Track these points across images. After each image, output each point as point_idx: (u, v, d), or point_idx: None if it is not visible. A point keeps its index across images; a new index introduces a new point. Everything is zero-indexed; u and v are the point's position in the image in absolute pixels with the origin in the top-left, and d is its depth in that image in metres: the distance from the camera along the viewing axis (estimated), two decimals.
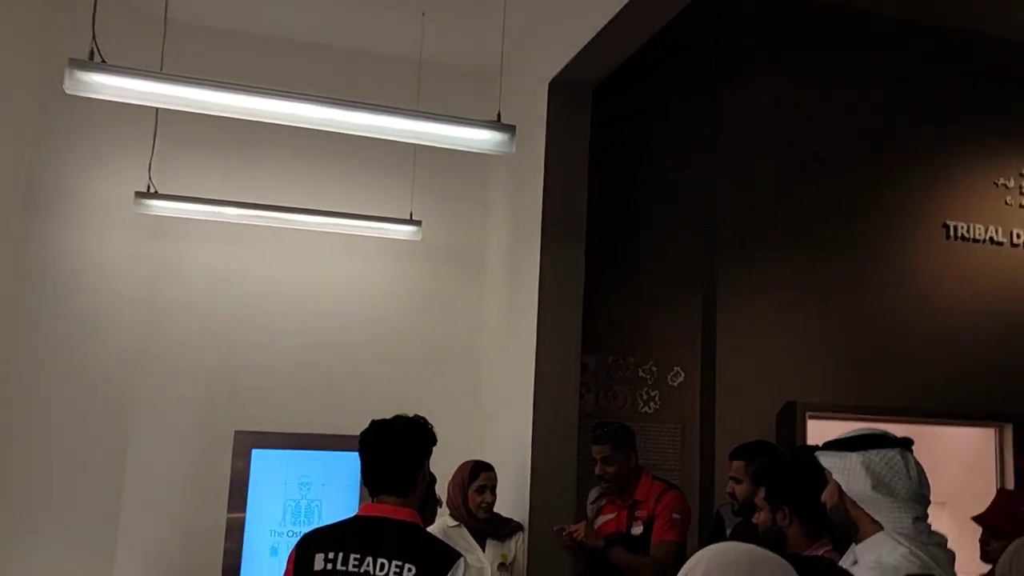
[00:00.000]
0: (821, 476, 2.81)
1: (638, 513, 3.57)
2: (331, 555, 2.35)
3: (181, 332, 4.16)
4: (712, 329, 4.42)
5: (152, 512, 4.02)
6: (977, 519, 3.16)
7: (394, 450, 2.44)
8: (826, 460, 2.25)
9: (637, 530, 3.55)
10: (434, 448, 2.50)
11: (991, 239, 4.91)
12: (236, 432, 4.15)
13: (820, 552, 2.50)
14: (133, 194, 3.63)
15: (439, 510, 3.11)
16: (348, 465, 4.26)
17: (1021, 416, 4.72)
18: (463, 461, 3.52)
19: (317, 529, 2.51)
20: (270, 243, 4.29)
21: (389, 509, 2.41)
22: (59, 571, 3.83)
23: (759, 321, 4.45)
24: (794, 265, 4.55)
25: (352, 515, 2.53)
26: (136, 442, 4.06)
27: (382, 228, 3.99)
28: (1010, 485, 4.56)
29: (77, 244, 4.06)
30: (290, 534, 4.14)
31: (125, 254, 4.10)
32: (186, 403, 4.13)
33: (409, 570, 2.31)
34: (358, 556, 2.34)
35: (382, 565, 2.33)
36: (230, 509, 4.10)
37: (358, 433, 4.33)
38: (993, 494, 3.89)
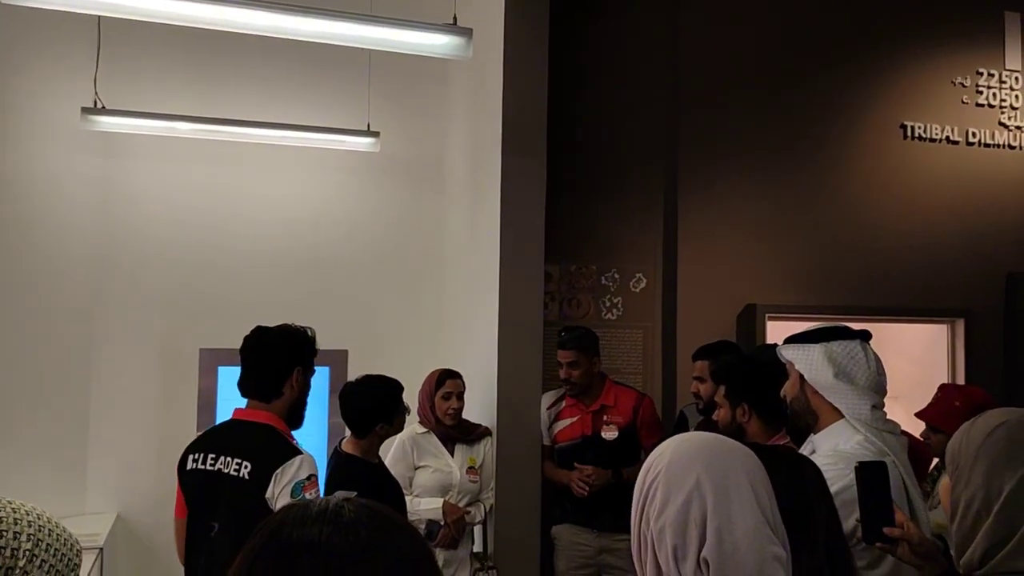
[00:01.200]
0: (778, 373, 2.90)
1: (609, 418, 3.69)
2: (197, 456, 2.53)
3: (139, 252, 4.10)
4: (673, 235, 4.46)
5: (122, 431, 4.04)
6: (919, 415, 3.29)
7: (262, 357, 2.57)
8: (789, 353, 2.33)
9: (610, 435, 3.67)
10: (314, 357, 2.65)
11: (947, 139, 4.96)
12: (201, 350, 4.14)
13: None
14: (79, 110, 3.51)
15: (407, 418, 3.17)
16: (316, 380, 4.30)
17: (972, 311, 4.88)
18: (431, 370, 3.58)
19: (200, 434, 2.66)
20: (225, 159, 4.20)
21: (250, 413, 2.57)
22: (32, 491, 3.86)
23: (719, 226, 4.50)
24: (753, 170, 4.58)
25: (225, 420, 2.65)
26: (101, 364, 4.05)
27: (340, 140, 3.92)
28: (961, 379, 4.73)
29: (25, 166, 3.94)
30: None
31: (76, 174, 4.00)
32: (149, 323, 4.11)
33: (246, 467, 2.43)
34: (214, 455, 2.49)
35: (226, 462, 2.47)
36: (199, 426, 4.12)
37: (322, 347, 4.38)
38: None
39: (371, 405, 3.04)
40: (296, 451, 2.44)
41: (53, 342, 3.98)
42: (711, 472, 1.24)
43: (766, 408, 2.75)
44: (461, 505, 3.41)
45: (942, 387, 3.68)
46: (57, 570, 1.08)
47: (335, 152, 4.23)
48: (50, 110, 3.91)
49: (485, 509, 3.52)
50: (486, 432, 3.60)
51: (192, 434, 4.08)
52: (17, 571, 1.03)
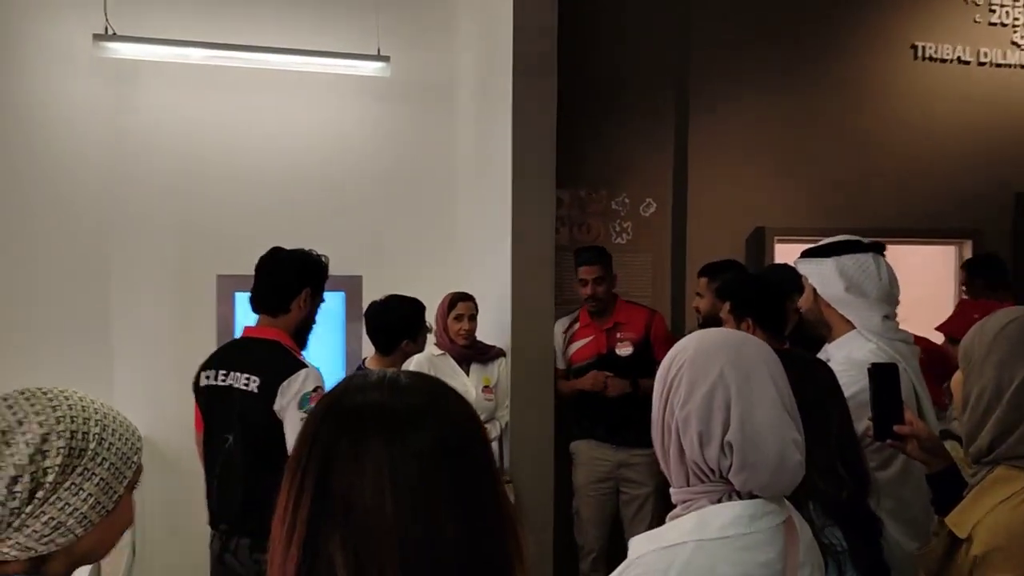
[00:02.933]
0: (781, 288, 2.98)
1: (622, 335, 3.81)
2: (209, 372, 2.65)
3: (151, 180, 4.12)
4: (683, 160, 4.47)
5: (144, 358, 4.12)
6: (940, 327, 3.37)
7: (273, 272, 2.69)
8: (803, 267, 2.39)
9: (625, 350, 3.79)
10: (325, 282, 2.78)
11: (959, 59, 4.93)
12: (218, 277, 4.20)
13: None
14: (91, 36, 3.50)
15: (429, 337, 3.29)
16: (332, 306, 4.36)
17: (980, 232, 4.91)
18: (444, 294, 3.65)
19: (212, 352, 2.77)
20: (237, 84, 4.19)
21: (259, 330, 2.69)
22: None
23: (729, 150, 4.51)
24: (764, 94, 4.57)
25: (234, 338, 2.75)
26: (119, 292, 4.10)
27: (351, 65, 3.91)
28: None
29: (37, 93, 3.94)
30: None
31: (87, 101, 3.99)
32: (165, 251, 4.15)
33: (254, 381, 2.55)
34: (224, 371, 2.60)
35: (236, 378, 2.59)
36: None
37: (337, 273, 4.45)
38: (951, 309, 4.11)
39: (397, 322, 3.15)
40: (302, 364, 2.55)
41: (69, 271, 4.02)
42: (735, 363, 1.30)
43: (769, 323, 2.85)
44: None
45: (961, 302, 3.77)
46: (123, 452, 1.15)
47: (346, 77, 4.21)
48: (61, 37, 3.89)
49: (501, 426, 3.63)
50: (500, 353, 3.68)
51: None
52: (88, 452, 1.11)
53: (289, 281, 2.67)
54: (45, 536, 1.08)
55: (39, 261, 3.99)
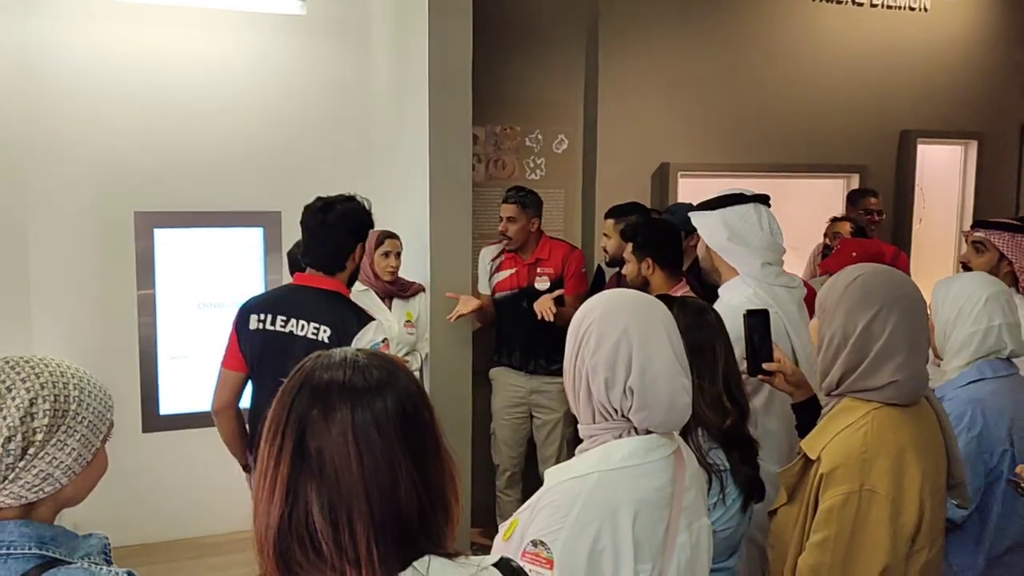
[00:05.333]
0: (679, 229, 3.25)
1: (542, 269, 4.04)
2: (262, 316, 2.69)
3: (65, 117, 4.05)
4: (594, 97, 4.64)
5: (64, 295, 4.13)
6: (821, 265, 3.69)
7: (328, 236, 2.70)
8: (695, 220, 2.64)
9: (543, 284, 4.02)
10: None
11: (852, 0, 5.19)
12: (135, 213, 4.21)
13: (678, 294, 2.94)
14: None
15: None
16: (251, 241, 4.45)
17: (867, 167, 5.27)
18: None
19: (255, 296, 2.82)
20: (153, 21, 4.12)
21: (316, 279, 2.73)
22: None
23: (636, 89, 4.69)
24: (671, 33, 4.74)
25: (286, 284, 2.82)
26: (36, 230, 4.07)
27: (267, 3, 3.91)
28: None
29: None
30: (200, 306, 4.37)
31: None
32: (81, 189, 4.12)
33: (324, 331, 2.64)
34: (284, 317, 2.66)
35: (302, 326, 2.67)
36: (139, 286, 4.26)
37: (256, 209, 4.47)
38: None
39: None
40: (370, 317, 2.69)
41: None
42: (636, 321, 1.52)
43: (667, 262, 3.12)
44: (400, 356, 3.70)
45: (842, 241, 4.10)
46: (98, 411, 1.31)
47: (262, 14, 4.20)
48: None
49: (421, 357, 3.83)
50: (420, 288, 3.85)
51: (133, 294, 4.24)
52: (70, 412, 1.26)
53: (342, 241, 2.72)
54: (35, 486, 1.24)
55: None
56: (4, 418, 1.21)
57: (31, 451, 1.22)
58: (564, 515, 1.43)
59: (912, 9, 5.34)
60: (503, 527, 1.55)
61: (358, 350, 1.13)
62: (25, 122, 4.00)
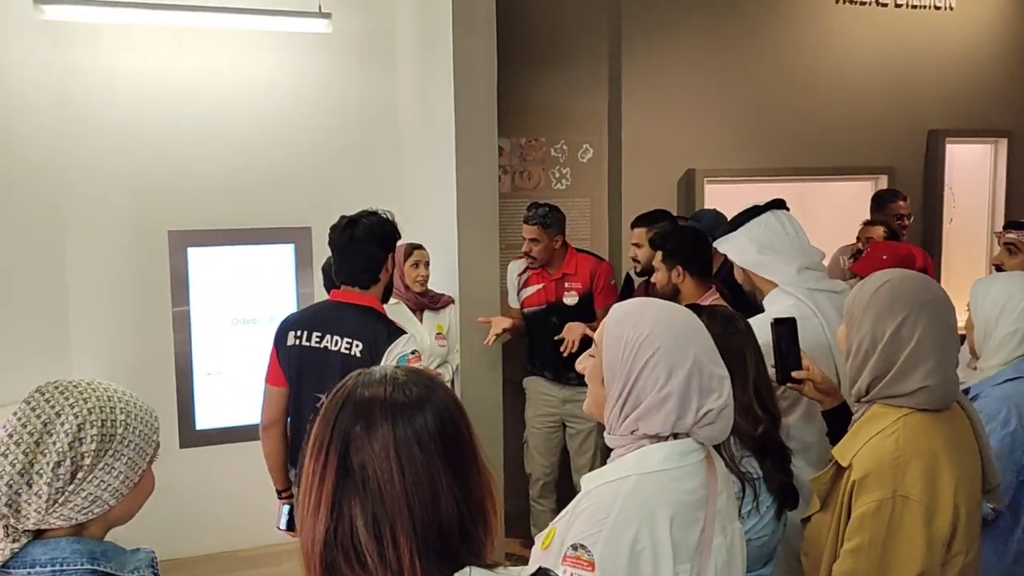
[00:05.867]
0: (706, 237, 3.24)
1: (569, 284, 4.04)
2: (299, 332, 2.76)
3: (100, 141, 4.15)
4: (617, 105, 4.66)
5: (99, 313, 4.22)
6: (854, 268, 3.67)
7: (358, 252, 2.75)
8: (723, 247, 2.62)
9: (571, 299, 4.02)
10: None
11: (877, 1, 5.17)
12: (169, 232, 4.30)
13: (708, 301, 2.94)
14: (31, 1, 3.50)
15: None
16: (283, 257, 4.52)
17: (895, 169, 5.24)
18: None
19: (293, 313, 2.90)
20: (182, 43, 4.22)
21: (351, 295, 2.79)
22: (19, 375, 4.06)
23: (661, 95, 4.70)
24: (693, 39, 4.75)
25: (322, 301, 2.88)
26: (74, 250, 4.17)
27: (294, 23, 3.98)
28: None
29: None
30: (234, 322, 4.44)
31: (34, 63, 3.99)
32: (117, 210, 4.22)
33: (357, 346, 2.70)
34: (319, 334, 2.72)
35: (336, 341, 2.72)
36: (174, 304, 4.34)
37: (287, 225, 4.53)
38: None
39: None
40: (401, 331, 2.75)
41: (22, 233, 4.03)
42: (703, 350, 1.51)
43: (696, 269, 3.12)
44: (432, 367, 3.74)
45: (872, 244, 4.08)
46: (144, 433, 1.35)
47: (289, 34, 4.28)
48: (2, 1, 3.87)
49: (452, 369, 3.86)
50: (450, 300, 3.89)
51: (168, 311, 4.32)
52: (117, 436, 1.31)
53: (373, 254, 2.77)
54: (85, 508, 1.28)
55: None
56: (54, 443, 1.25)
57: (80, 475, 1.26)
58: (603, 517, 1.45)
59: (937, 8, 5.31)
60: (540, 537, 1.56)
61: (397, 367, 1.17)
62: (62, 145, 4.10)
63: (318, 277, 4.06)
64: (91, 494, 1.28)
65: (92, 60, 4.11)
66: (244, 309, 4.46)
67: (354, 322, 2.73)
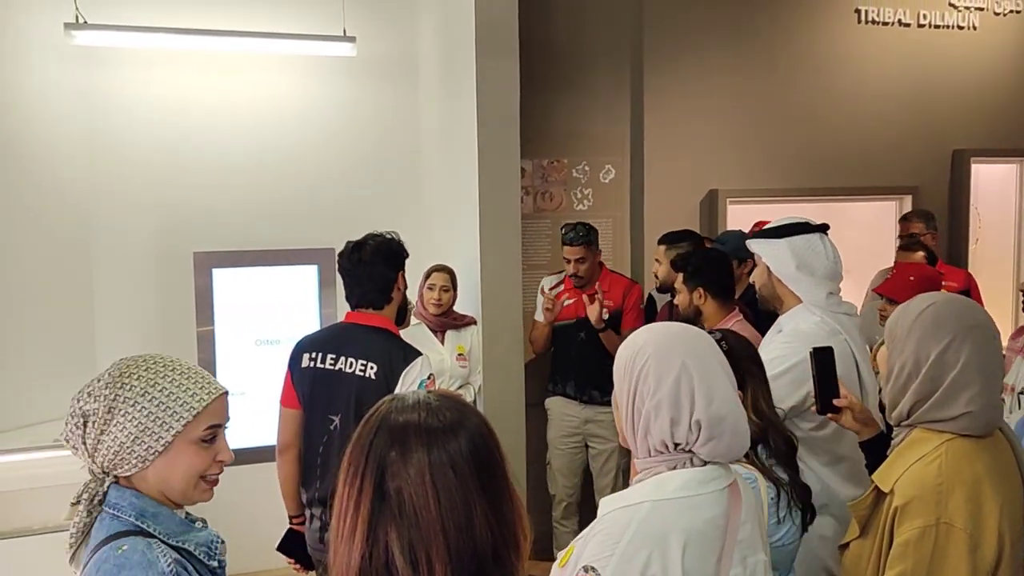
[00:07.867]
0: (730, 257, 3.23)
1: (603, 299, 4.05)
2: (313, 355, 2.76)
3: (127, 164, 4.21)
4: (639, 126, 4.66)
5: (125, 332, 4.24)
6: (879, 289, 3.62)
7: (367, 274, 2.76)
8: (757, 246, 2.60)
9: (603, 314, 4.02)
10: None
11: (899, 21, 5.15)
12: (194, 253, 4.32)
13: (732, 323, 2.92)
14: (62, 25, 3.55)
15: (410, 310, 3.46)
16: (306, 277, 4.52)
17: (919, 188, 5.20)
18: (416, 266, 3.82)
19: (307, 335, 2.87)
20: (208, 68, 4.27)
21: (364, 317, 2.78)
22: (45, 396, 4.08)
23: (683, 115, 4.70)
24: (715, 60, 4.75)
25: (337, 323, 2.86)
26: (101, 271, 4.21)
27: (319, 47, 4.02)
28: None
29: (10, 84, 3.96)
30: (258, 342, 4.44)
31: (61, 89, 4.05)
32: (142, 231, 4.26)
33: (371, 367, 2.69)
34: (333, 356, 2.72)
35: (350, 363, 2.71)
36: (199, 324, 4.35)
37: (310, 247, 4.56)
38: (891, 260, 4.40)
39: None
40: (417, 353, 2.72)
41: (49, 255, 4.09)
42: (691, 354, 1.53)
43: (718, 291, 3.10)
44: (452, 388, 3.72)
45: (898, 264, 4.04)
46: (167, 406, 1.39)
47: (314, 58, 4.32)
48: (33, 26, 3.92)
49: (475, 390, 3.85)
50: (472, 321, 3.88)
51: (192, 331, 4.33)
52: (121, 397, 1.38)
53: (383, 273, 2.78)
54: (111, 460, 1.38)
55: (20, 246, 4.05)
56: (80, 397, 1.41)
57: (90, 426, 1.38)
58: (615, 542, 1.45)
59: (960, 28, 5.28)
60: (560, 555, 1.57)
61: (429, 392, 1.16)
62: (89, 167, 4.15)
63: (341, 298, 4.06)
64: (111, 448, 1.37)
65: (120, 84, 4.17)
66: (268, 330, 4.46)
67: (369, 344, 2.73)
